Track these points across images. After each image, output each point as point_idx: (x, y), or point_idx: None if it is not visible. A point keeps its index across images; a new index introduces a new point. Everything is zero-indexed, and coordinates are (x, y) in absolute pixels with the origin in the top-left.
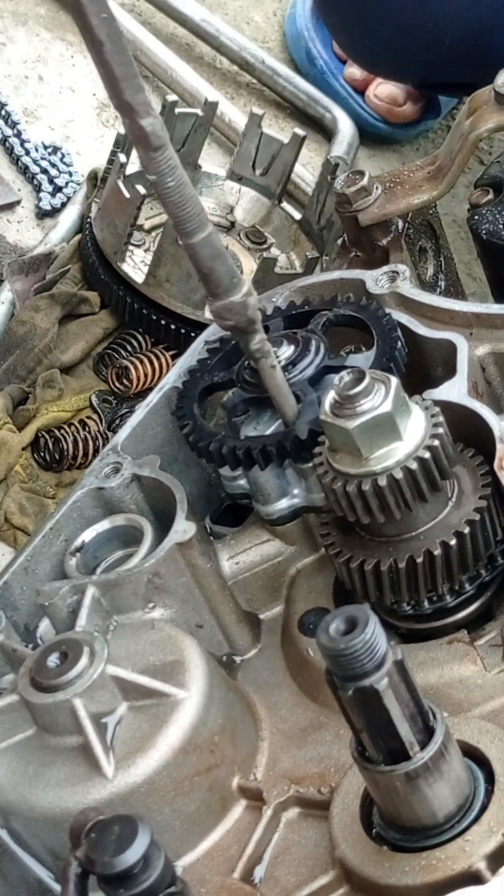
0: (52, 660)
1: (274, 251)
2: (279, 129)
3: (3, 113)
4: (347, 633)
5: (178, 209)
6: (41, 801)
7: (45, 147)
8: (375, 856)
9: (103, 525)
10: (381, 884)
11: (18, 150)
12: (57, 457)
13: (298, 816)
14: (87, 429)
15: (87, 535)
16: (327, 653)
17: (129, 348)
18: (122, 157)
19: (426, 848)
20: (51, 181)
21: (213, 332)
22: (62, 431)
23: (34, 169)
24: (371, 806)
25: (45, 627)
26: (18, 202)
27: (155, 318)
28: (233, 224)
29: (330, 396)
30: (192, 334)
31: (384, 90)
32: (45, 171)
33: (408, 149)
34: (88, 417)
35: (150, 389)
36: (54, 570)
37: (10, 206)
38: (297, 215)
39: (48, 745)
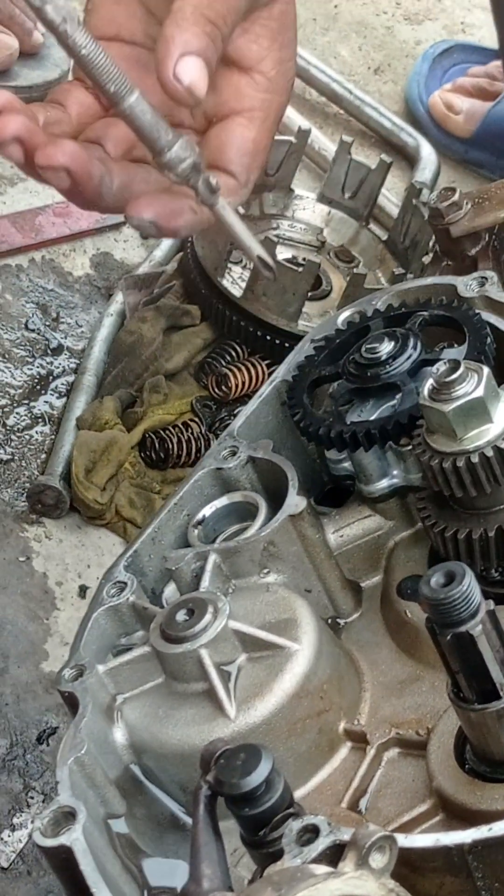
0: (181, 615)
1: (362, 269)
2: (365, 157)
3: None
4: (446, 585)
5: (95, 80)
6: (171, 739)
7: None
8: (469, 786)
9: (222, 501)
10: (474, 809)
11: None
12: (162, 455)
13: (398, 756)
14: (189, 430)
15: (208, 510)
16: (429, 602)
17: (228, 357)
18: None
19: None
20: None
21: (318, 332)
22: (167, 433)
23: None
24: (464, 745)
25: (169, 592)
26: (124, 223)
27: (252, 329)
28: (323, 244)
29: (428, 383)
30: (287, 345)
31: (447, 95)
32: None
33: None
34: (191, 420)
35: (247, 396)
36: (178, 541)
37: (117, 227)
38: (384, 236)
39: (176, 690)
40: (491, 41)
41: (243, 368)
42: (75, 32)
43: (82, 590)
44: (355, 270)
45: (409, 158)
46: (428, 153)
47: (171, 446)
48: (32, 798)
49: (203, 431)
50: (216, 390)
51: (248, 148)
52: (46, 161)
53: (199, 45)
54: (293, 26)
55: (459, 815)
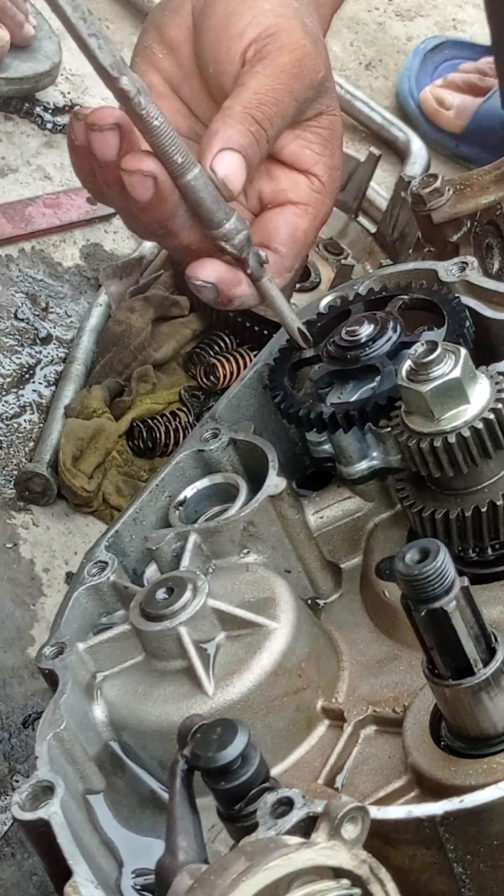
0: (161, 594)
1: (350, 261)
2: (355, 151)
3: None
4: (421, 561)
5: (162, 154)
6: (150, 716)
7: None
8: (443, 761)
9: (203, 482)
10: (448, 784)
11: None
12: (150, 444)
13: (375, 733)
14: (177, 420)
15: (189, 492)
16: (403, 578)
17: (216, 348)
18: None
19: (488, 755)
20: None
21: (300, 316)
22: (155, 422)
23: None
24: (440, 721)
25: (150, 572)
26: (114, 214)
27: (240, 320)
28: None
29: (406, 364)
30: (274, 335)
31: (438, 91)
32: None
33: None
34: (179, 409)
35: None
36: (159, 522)
37: (107, 218)
38: (372, 228)
39: (155, 668)
40: (482, 37)
41: (231, 359)
42: (149, 104)
43: (69, 577)
44: (343, 262)
45: (399, 153)
46: (418, 148)
47: (158, 435)
48: (17, 781)
49: (191, 421)
50: (204, 380)
51: (298, 236)
52: (136, 164)
53: (241, 141)
54: (341, 137)
55: (434, 791)
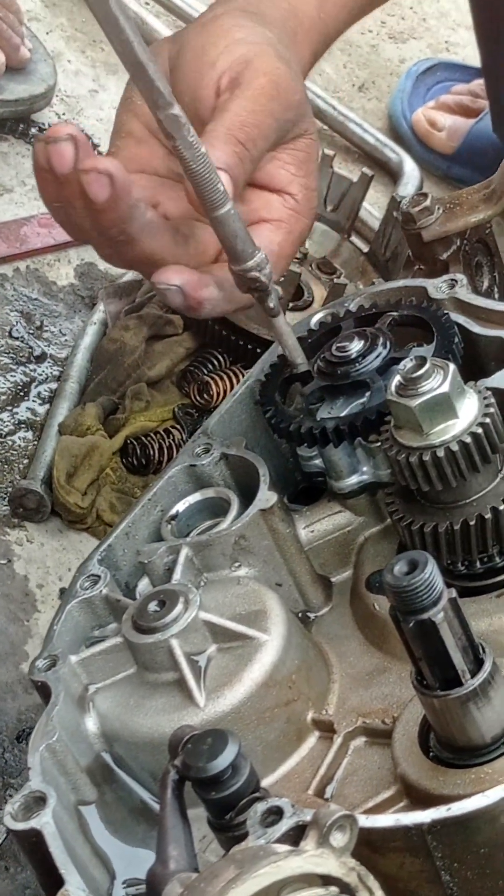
0: (152, 606)
1: (343, 280)
2: (348, 172)
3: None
4: (409, 573)
5: (204, 183)
6: (142, 728)
7: None
8: (432, 772)
9: (195, 497)
10: (437, 794)
11: None
12: (144, 461)
13: (365, 744)
14: (171, 437)
15: (181, 506)
16: (392, 589)
17: (210, 366)
18: None
19: (476, 765)
20: None
21: (293, 332)
22: (149, 439)
23: None
24: (428, 732)
25: (142, 586)
26: None
27: (233, 338)
28: (305, 255)
29: (396, 379)
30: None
31: (430, 113)
32: None
33: None
34: (172, 427)
35: None
36: (151, 536)
37: None
38: (365, 248)
39: (147, 680)
40: (474, 60)
41: (225, 377)
42: (195, 134)
43: (63, 593)
44: (336, 281)
45: (392, 174)
46: (411, 169)
47: (152, 452)
48: (11, 796)
49: (184, 438)
50: (198, 398)
51: (273, 249)
52: (93, 163)
53: (227, 161)
54: (317, 160)
55: (423, 801)
